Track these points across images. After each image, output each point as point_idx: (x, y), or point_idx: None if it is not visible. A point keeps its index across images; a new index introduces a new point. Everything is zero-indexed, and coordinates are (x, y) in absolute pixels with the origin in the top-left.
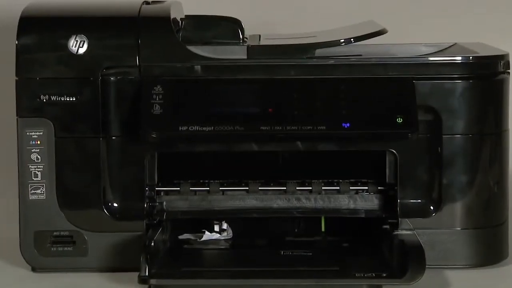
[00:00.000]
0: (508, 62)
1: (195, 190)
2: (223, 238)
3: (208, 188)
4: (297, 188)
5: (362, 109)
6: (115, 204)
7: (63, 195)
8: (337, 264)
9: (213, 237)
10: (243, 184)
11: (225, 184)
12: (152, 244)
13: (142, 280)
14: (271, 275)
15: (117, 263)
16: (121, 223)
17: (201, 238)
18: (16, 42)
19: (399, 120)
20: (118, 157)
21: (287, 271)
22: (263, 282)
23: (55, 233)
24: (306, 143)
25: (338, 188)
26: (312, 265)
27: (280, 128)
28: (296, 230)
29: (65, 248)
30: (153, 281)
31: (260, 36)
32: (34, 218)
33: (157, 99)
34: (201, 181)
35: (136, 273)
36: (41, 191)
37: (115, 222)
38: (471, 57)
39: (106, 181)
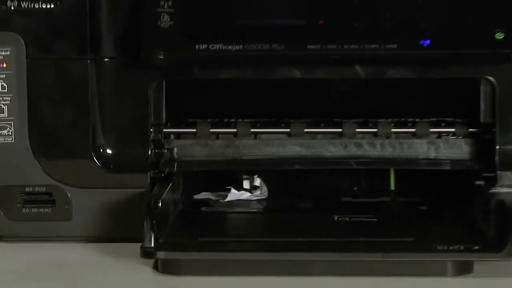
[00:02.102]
0: None
1: (217, 133)
2: (255, 198)
3: (235, 130)
4: (357, 130)
5: (447, 20)
6: (108, 151)
7: (38, 138)
8: (412, 233)
9: (242, 197)
10: (283, 125)
11: (258, 125)
12: (159, 205)
13: (146, 253)
14: (321, 248)
15: (112, 231)
16: (116, 176)
17: (225, 198)
18: None
19: (499, 36)
20: (113, 87)
21: (343, 243)
22: (310, 257)
23: (27, 189)
24: (370, 68)
25: (414, 130)
26: (377, 234)
27: (334, 46)
28: (355, 188)
29: (41, 210)
30: (160, 254)
31: None
32: None
33: (166, 6)
34: (226, 120)
35: (138, 244)
36: (8, 132)
37: (109, 175)
38: None
39: (96, 119)
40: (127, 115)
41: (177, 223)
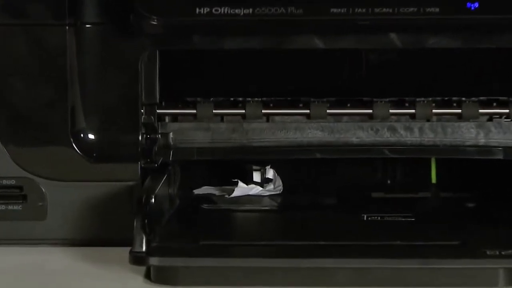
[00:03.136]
0: None
1: (222, 114)
2: (267, 193)
3: (243, 111)
4: (390, 111)
5: None
6: (90, 136)
7: (6, 120)
8: (457, 235)
9: (251, 192)
10: (301, 105)
11: (271, 105)
12: (152, 201)
13: (137, 258)
14: (346, 253)
15: (95, 232)
16: (100, 166)
17: (230, 194)
18: None
19: None
20: (96, 59)
21: (373, 247)
22: (333, 264)
23: None
24: (407, 37)
25: (459, 111)
26: (414, 237)
27: (363, 10)
28: (388, 182)
29: (10, 207)
30: (153, 261)
31: None
32: None
33: None
34: (232, 99)
35: (127, 249)
36: None
37: (91, 165)
38: None
39: (76, 98)
40: (113, 92)
41: (173, 223)
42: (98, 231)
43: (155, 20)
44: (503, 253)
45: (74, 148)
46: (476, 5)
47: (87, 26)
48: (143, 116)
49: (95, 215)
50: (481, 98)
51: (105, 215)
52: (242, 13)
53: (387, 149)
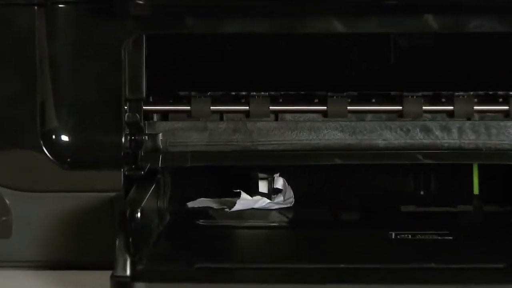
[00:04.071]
0: None
1: (221, 111)
2: (275, 206)
3: (247, 107)
4: (424, 107)
5: None
6: (63, 138)
7: None
8: (502, 257)
9: (257, 205)
10: (317, 100)
11: (280, 100)
12: (138, 215)
13: (119, 285)
14: (372, 277)
15: (70, 253)
16: (75, 174)
17: (232, 207)
18: None
19: None
20: (71, 44)
21: (403, 271)
22: None
23: None
24: (445, 18)
25: (507, 108)
26: (453, 259)
27: None
28: (421, 193)
29: None
30: (139, 287)
31: None
32: None
33: None
34: (233, 93)
35: (107, 273)
36: None
37: (65, 172)
38: None
39: (46, 92)
40: (91, 85)
41: (163, 242)
42: (73, 252)
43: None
44: None
45: (44, 152)
46: None
47: (59, 5)
48: (126, 114)
49: (70, 232)
50: None
51: (82, 233)
52: None
53: (420, 153)
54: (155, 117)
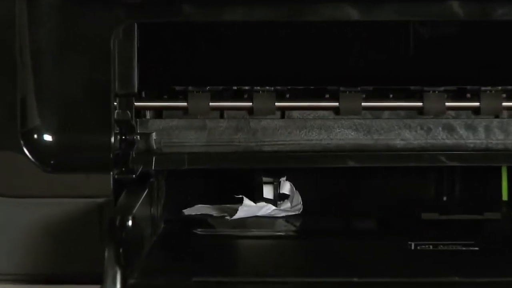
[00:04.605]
0: None
1: (222, 108)
2: (282, 213)
3: (251, 104)
4: (447, 104)
5: None
6: (46, 138)
7: None
8: None
9: (261, 212)
10: (328, 96)
11: (287, 96)
12: (129, 224)
13: None
14: None
15: (53, 266)
16: (60, 178)
17: (233, 215)
18: None
19: None
20: (55, 34)
21: (426, 286)
22: None
23: None
24: (469, 5)
25: None
26: (479, 272)
27: None
28: (444, 199)
29: None
30: None
31: None
32: None
33: None
34: (235, 87)
35: (95, 287)
36: None
37: (48, 176)
38: None
39: (27, 86)
40: (77, 79)
41: (157, 253)
42: (57, 264)
43: None
44: None
45: (25, 153)
46: None
47: None
48: (116, 111)
49: (53, 242)
50: None
51: (67, 243)
52: None
53: (443, 155)
54: (148, 114)
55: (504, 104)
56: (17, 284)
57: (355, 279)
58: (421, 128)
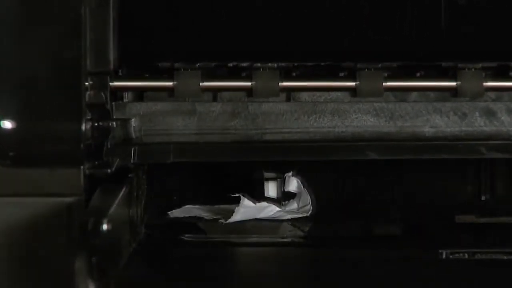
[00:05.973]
0: None
1: (214, 88)
2: (287, 216)
3: (249, 83)
4: (485, 84)
5: None
6: (5, 126)
7: None
8: None
9: (262, 214)
10: (343, 74)
11: (293, 74)
12: (104, 228)
13: None
14: None
15: (14, 278)
16: (21, 173)
17: (228, 218)
18: None
19: None
20: (15, 2)
21: None
22: None
23: None
24: None
25: None
26: None
27: None
28: (483, 198)
29: None
30: None
31: None
32: None
33: None
34: (230, 64)
35: None
36: None
37: (7, 171)
38: None
39: None
40: (41, 55)
41: (137, 264)
42: (18, 275)
43: None
44: None
45: None
46: None
47: None
48: (88, 93)
49: (14, 250)
50: None
51: (29, 250)
52: None
53: (481, 145)
54: (127, 96)
55: None
56: None
57: None
58: (455, 113)
